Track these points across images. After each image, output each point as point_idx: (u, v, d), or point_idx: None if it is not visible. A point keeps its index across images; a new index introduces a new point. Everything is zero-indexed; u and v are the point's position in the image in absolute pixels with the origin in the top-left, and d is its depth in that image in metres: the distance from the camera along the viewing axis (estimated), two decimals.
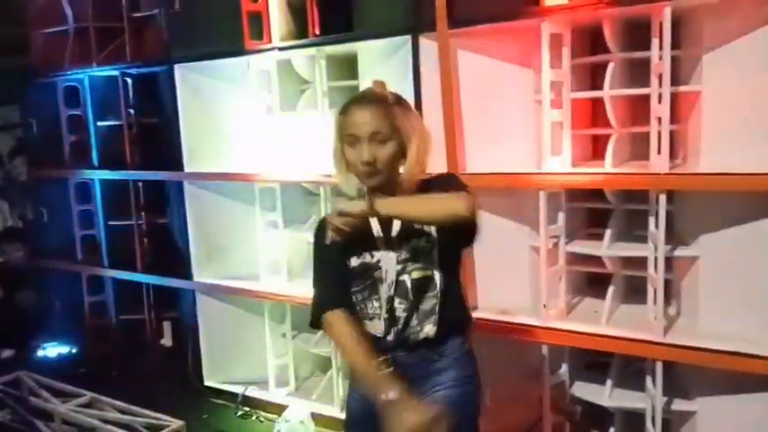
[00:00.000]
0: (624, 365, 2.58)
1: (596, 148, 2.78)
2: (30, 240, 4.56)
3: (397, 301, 1.67)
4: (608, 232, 2.47)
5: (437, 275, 1.66)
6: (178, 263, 3.56)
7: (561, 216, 2.49)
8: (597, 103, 2.65)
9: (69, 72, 3.96)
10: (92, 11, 3.84)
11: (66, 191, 4.14)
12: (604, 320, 2.43)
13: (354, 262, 1.70)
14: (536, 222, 2.47)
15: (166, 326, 3.93)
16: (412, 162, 1.64)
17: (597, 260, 2.52)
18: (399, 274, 1.66)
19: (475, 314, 2.60)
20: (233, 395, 3.41)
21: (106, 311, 4.14)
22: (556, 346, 2.52)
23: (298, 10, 3.04)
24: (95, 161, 3.94)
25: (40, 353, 4.06)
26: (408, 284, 1.66)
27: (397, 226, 1.68)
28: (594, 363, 2.72)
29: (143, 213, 3.86)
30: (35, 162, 4.40)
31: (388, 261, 1.67)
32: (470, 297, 2.60)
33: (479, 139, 2.58)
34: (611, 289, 2.49)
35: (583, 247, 2.55)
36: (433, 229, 1.65)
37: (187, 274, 3.51)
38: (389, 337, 1.69)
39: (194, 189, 3.46)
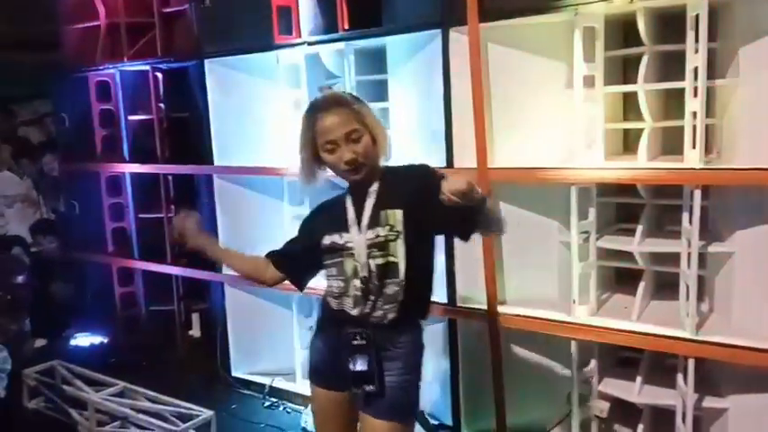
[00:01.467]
0: (655, 362, 2.55)
1: (627, 143, 2.76)
2: (62, 232, 4.65)
3: (370, 282, 1.79)
4: (640, 228, 2.45)
5: (401, 264, 1.77)
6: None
7: (592, 211, 2.47)
8: (628, 97, 2.63)
9: (101, 67, 4.02)
10: (123, 7, 3.90)
11: (98, 184, 4.21)
12: (635, 316, 2.41)
13: (326, 240, 1.85)
14: (567, 217, 2.45)
15: (195, 317, 3.98)
16: (382, 150, 1.81)
17: (628, 255, 2.49)
18: (368, 257, 1.79)
19: (503, 309, 2.61)
20: (260, 386, 3.45)
21: (136, 302, 4.21)
22: (585, 342, 2.51)
23: (327, 4, 3.05)
24: (126, 155, 4.00)
25: (73, 343, 4.14)
26: (374, 269, 1.79)
27: (368, 212, 1.81)
28: (625, 359, 2.70)
29: (173, 206, 3.91)
30: (67, 156, 4.48)
31: (358, 244, 1.80)
32: (499, 291, 2.60)
33: (510, 132, 2.57)
34: (642, 285, 2.46)
35: (614, 242, 2.53)
36: (399, 222, 1.77)
37: (216, 267, 3.54)
38: (355, 313, 1.81)
39: (223, 183, 3.50)
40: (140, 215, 4.05)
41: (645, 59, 2.33)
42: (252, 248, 3.48)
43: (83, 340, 4.17)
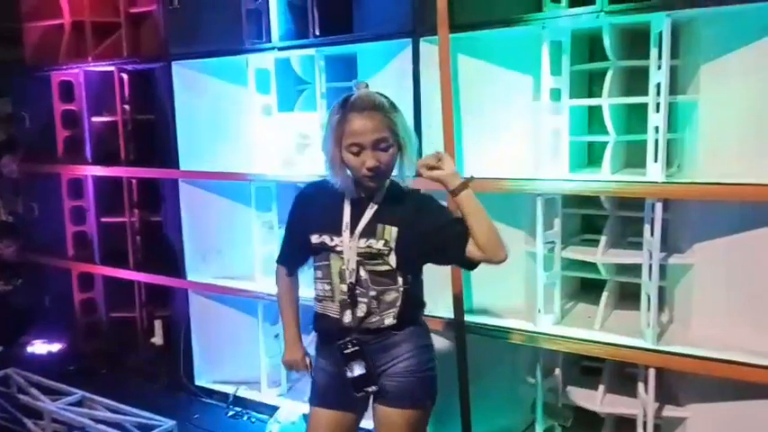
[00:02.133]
0: (617, 371, 2.59)
1: (591, 155, 2.82)
2: (20, 236, 4.51)
3: (358, 289, 1.76)
4: (603, 239, 2.49)
5: (398, 273, 1.76)
6: (171, 261, 3.54)
7: (557, 222, 2.51)
8: (593, 110, 2.69)
9: (64, 66, 3.93)
10: (88, 5, 3.81)
11: (59, 186, 4.09)
12: (598, 326, 2.45)
13: (315, 239, 1.79)
14: (532, 227, 2.48)
15: (158, 324, 3.89)
16: (407, 165, 1.75)
17: (592, 266, 2.54)
18: (360, 264, 1.75)
19: (470, 318, 2.62)
20: (224, 395, 3.39)
21: (97, 309, 4.10)
22: (550, 351, 2.53)
23: (298, 10, 3.04)
24: (89, 157, 3.91)
25: (29, 349, 4.01)
26: (368, 277, 1.76)
27: (365, 220, 1.76)
28: (589, 368, 2.74)
29: (136, 211, 3.84)
30: (27, 157, 4.35)
31: (348, 249, 1.76)
32: (465, 300, 2.62)
33: (477, 143, 2.59)
34: (604, 295, 2.51)
35: (578, 253, 2.57)
36: (393, 239, 1.75)
37: (180, 273, 3.49)
38: (346, 320, 1.77)
39: (189, 187, 3.43)
40: (102, 219, 3.96)
41: (609, 74, 2.37)
42: (216, 253, 3.48)
43: (40, 347, 4.04)
